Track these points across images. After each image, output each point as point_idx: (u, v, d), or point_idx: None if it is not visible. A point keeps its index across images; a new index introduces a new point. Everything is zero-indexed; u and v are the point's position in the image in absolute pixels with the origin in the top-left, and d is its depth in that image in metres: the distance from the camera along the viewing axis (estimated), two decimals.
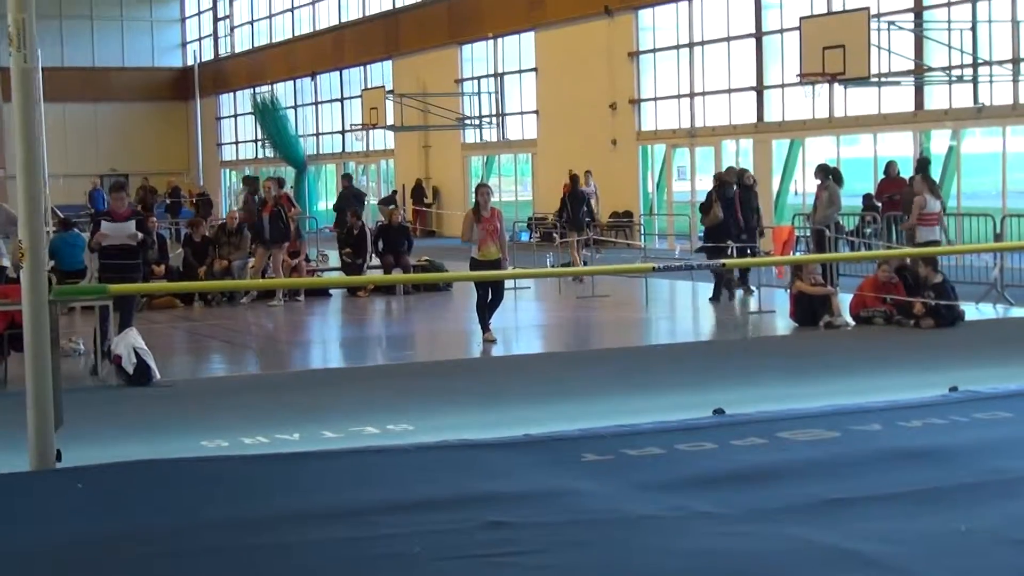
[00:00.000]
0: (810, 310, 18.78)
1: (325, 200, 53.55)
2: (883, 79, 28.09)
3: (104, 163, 64.44)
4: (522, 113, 43.94)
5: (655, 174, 38.28)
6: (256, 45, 64.57)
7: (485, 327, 17.90)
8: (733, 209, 23.82)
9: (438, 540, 7.19)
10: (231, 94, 67.12)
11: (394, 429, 11.39)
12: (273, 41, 62.63)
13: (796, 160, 33.77)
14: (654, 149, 38.48)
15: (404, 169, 49.98)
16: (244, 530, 7.55)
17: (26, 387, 9.07)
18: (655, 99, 38.04)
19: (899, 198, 23.15)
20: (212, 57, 69.15)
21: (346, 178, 33.07)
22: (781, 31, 33.00)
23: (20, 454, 9.29)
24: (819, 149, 32.99)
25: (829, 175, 23.74)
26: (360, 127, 45.76)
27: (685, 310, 23.06)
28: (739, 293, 23.04)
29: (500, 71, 44.80)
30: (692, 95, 36.46)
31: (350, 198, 29.40)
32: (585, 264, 29.13)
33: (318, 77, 57.65)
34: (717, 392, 12.97)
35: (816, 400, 11.94)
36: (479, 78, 45.51)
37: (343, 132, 54.66)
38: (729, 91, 35.25)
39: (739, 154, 35.33)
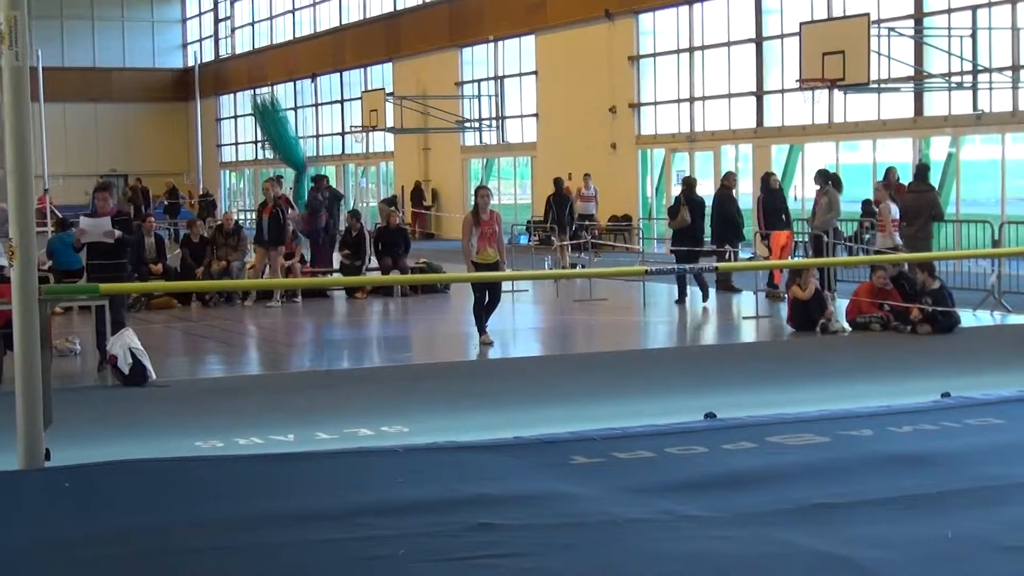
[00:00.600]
0: (807, 315, 18.79)
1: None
2: (883, 85, 28.10)
3: (104, 163, 64.49)
4: (522, 116, 43.96)
5: (654, 178, 38.28)
6: (257, 46, 64.64)
7: (482, 330, 17.90)
8: (702, 214, 24.35)
9: (426, 542, 7.18)
10: (231, 95, 67.16)
11: (389, 431, 11.38)
12: (274, 42, 62.69)
13: (795, 165, 33.77)
14: (653, 153, 38.48)
15: (403, 171, 49.99)
16: (230, 531, 7.54)
17: (16, 386, 9.05)
18: (655, 103, 38.04)
19: (899, 204, 23.12)
20: (213, 58, 69.20)
21: (321, 179, 32.99)
22: (781, 36, 33.02)
23: (12, 453, 9.29)
24: (819, 154, 32.99)
25: (829, 181, 23.75)
26: (360, 129, 45.78)
27: (682, 314, 23.01)
28: (712, 293, 23.22)
29: (500, 74, 44.83)
30: (692, 99, 36.47)
31: (327, 200, 29.35)
32: (574, 266, 29.23)
33: (318, 79, 57.70)
34: (711, 396, 12.97)
35: (809, 405, 11.94)
36: (479, 81, 45.55)
37: (343, 134, 54.70)
38: (729, 96, 35.26)
39: (738, 159, 35.37)
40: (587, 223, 32.14)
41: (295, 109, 59.03)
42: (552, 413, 12.26)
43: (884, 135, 30.91)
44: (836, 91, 28.51)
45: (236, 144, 67.41)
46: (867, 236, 26.24)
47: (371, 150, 52.77)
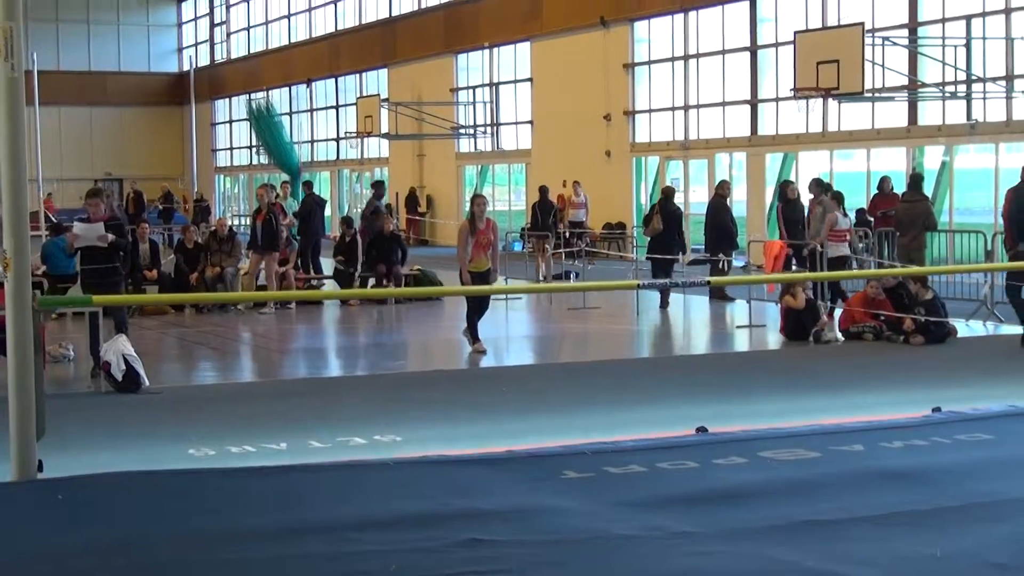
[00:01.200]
0: (799, 324, 18.84)
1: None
2: (877, 94, 28.16)
3: (99, 167, 64.48)
4: (517, 123, 44.00)
5: (648, 186, 38.29)
6: (252, 51, 64.66)
7: (475, 338, 17.94)
8: (676, 222, 24.83)
9: (415, 557, 7.17)
10: (226, 100, 67.16)
11: (381, 440, 11.41)
12: (269, 48, 62.69)
13: (789, 174, 33.77)
14: (648, 161, 38.52)
15: (398, 177, 50.00)
16: (222, 545, 7.54)
17: (8, 396, 9.05)
18: (649, 111, 38.09)
19: (892, 214, 23.19)
20: (208, 63, 69.17)
21: (307, 185, 33.10)
22: (776, 45, 33.08)
23: (2, 461, 9.30)
24: (812, 163, 33.04)
25: (825, 191, 23.81)
26: (355, 135, 45.80)
27: (675, 323, 23.06)
28: (705, 301, 23.58)
29: (495, 81, 44.85)
30: (686, 107, 36.52)
31: (314, 205, 29.47)
32: (568, 273, 29.29)
33: (314, 84, 57.72)
34: (702, 406, 13.02)
35: (801, 416, 11.97)
36: (474, 87, 45.58)
37: (338, 139, 54.69)
38: (723, 104, 35.31)
39: (733, 167, 35.41)
40: (579, 230, 32.20)
41: (290, 114, 59.04)
42: (544, 423, 12.32)
43: (878, 144, 30.95)
44: (830, 100, 28.55)
45: (231, 149, 67.39)
46: (860, 246, 26.31)
47: (366, 156, 52.80)
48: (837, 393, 14.11)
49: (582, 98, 39.55)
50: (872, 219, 26.20)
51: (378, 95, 46.35)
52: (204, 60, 69.71)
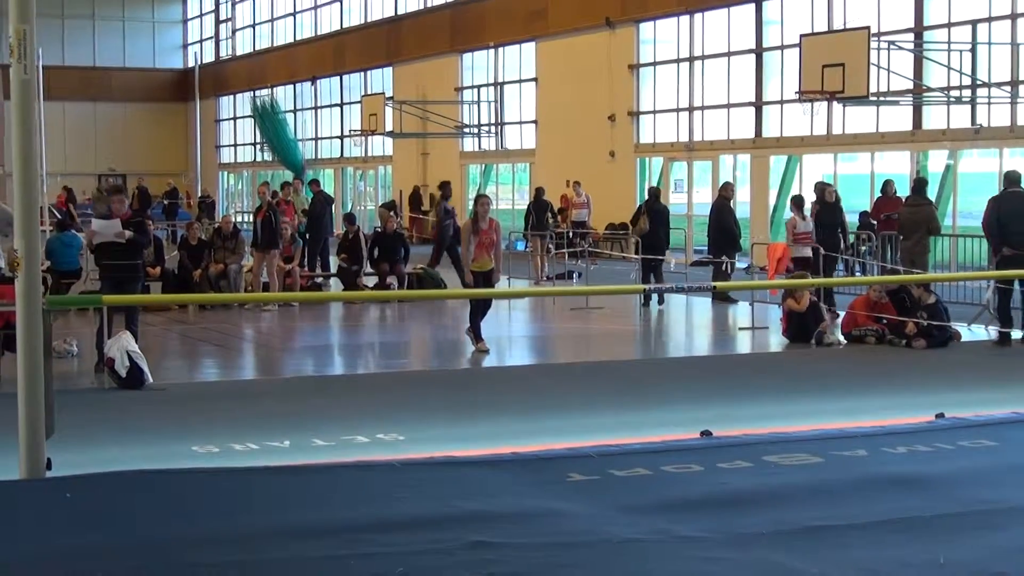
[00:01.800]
0: (802, 327, 18.87)
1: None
2: (882, 98, 28.18)
3: (102, 163, 64.54)
4: (521, 123, 44.02)
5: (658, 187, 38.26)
6: (257, 48, 64.71)
7: (478, 338, 17.99)
8: (663, 222, 25.39)
9: (422, 559, 7.21)
10: (231, 97, 67.21)
11: (384, 439, 11.46)
12: (274, 45, 62.74)
13: (793, 176, 33.83)
14: (652, 162, 38.54)
15: (402, 176, 50.04)
16: (229, 546, 7.58)
17: (18, 395, 9.10)
18: (654, 112, 38.11)
19: (896, 217, 23.21)
20: (213, 59, 69.21)
21: (315, 183, 33.18)
22: (781, 47, 33.10)
23: (11, 456, 9.34)
24: (816, 166, 33.08)
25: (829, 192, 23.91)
26: (359, 133, 45.84)
27: (677, 324, 23.10)
28: (708, 303, 23.71)
29: (500, 80, 44.88)
30: (691, 109, 36.55)
31: (323, 203, 29.52)
32: (570, 273, 29.33)
33: (318, 82, 57.75)
34: (706, 409, 13.06)
35: (804, 419, 12.03)
36: (479, 87, 45.61)
37: (342, 137, 54.73)
38: (728, 106, 35.34)
39: (736, 169, 35.44)
40: (581, 230, 32.23)
41: (294, 112, 59.08)
42: (549, 424, 12.36)
43: (882, 148, 30.98)
44: (835, 103, 28.59)
45: (235, 146, 67.45)
46: (863, 248, 26.36)
47: (370, 154, 52.83)
48: (840, 397, 14.15)
49: (587, 98, 39.58)
50: (875, 222, 26.24)
51: (383, 93, 46.37)
52: (209, 57, 69.76)
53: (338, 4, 56.37)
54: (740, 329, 21.10)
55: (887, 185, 26.48)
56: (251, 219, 27.38)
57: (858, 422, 11.47)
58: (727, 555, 7.39)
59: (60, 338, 17.55)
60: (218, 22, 68.98)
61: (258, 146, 60.44)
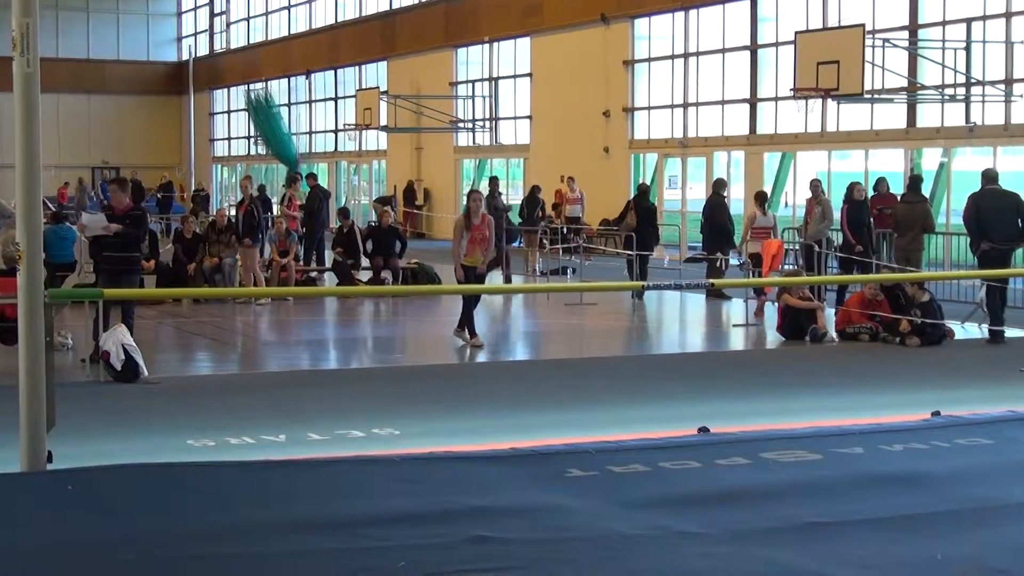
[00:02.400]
0: (797, 324, 18.92)
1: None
2: (876, 96, 28.24)
3: (96, 155, 64.49)
4: (515, 118, 44.06)
5: (646, 183, 38.28)
6: (252, 42, 64.67)
7: (472, 332, 18.04)
8: (650, 218, 25.73)
9: (423, 554, 7.24)
10: (225, 90, 67.17)
11: (380, 433, 11.50)
12: (269, 38, 62.70)
13: (787, 173, 33.89)
14: (646, 158, 38.58)
15: (396, 170, 50.07)
16: (229, 539, 7.61)
17: (19, 388, 9.12)
18: (648, 108, 38.16)
19: (890, 212, 23.21)
20: (207, 52, 69.17)
21: (312, 177, 33.20)
22: (776, 44, 33.15)
23: (11, 449, 9.36)
24: (811, 163, 33.13)
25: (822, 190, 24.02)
26: (353, 127, 45.85)
27: (672, 320, 23.16)
28: (702, 299, 24.13)
29: (495, 75, 44.90)
30: (685, 105, 36.60)
31: (320, 197, 29.54)
32: (565, 269, 29.35)
33: (313, 75, 57.74)
34: (702, 405, 13.13)
35: (800, 416, 12.07)
36: (474, 82, 45.64)
37: (336, 131, 54.72)
38: (722, 102, 35.39)
39: (731, 165, 35.48)
40: (575, 226, 32.25)
41: (289, 105, 59.07)
42: (545, 419, 12.41)
43: (876, 145, 31.04)
44: (829, 100, 28.64)
45: (229, 139, 67.41)
46: (857, 248, 26.34)
47: (364, 148, 52.83)
48: (835, 394, 14.21)
49: (581, 94, 39.62)
50: (871, 219, 26.23)
51: (377, 88, 46.37)
52: (203, 50, 69.72)
53: None
54: (735, 326, 21.16)
55: (879, 183, 26.48)
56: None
57: (854, 419, 11.50)
58: (725, 551, 7.43)
59: (55, 331, 17.55)
60: (212, 15, 68.92)
61: (252, 140, 60.41)
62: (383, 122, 44.49)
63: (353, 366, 17.86)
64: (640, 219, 25.28)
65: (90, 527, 7.85)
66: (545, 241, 30.43)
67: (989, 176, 19.60)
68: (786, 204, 34.16)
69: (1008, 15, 27.70)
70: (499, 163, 46.35)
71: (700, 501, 8.50)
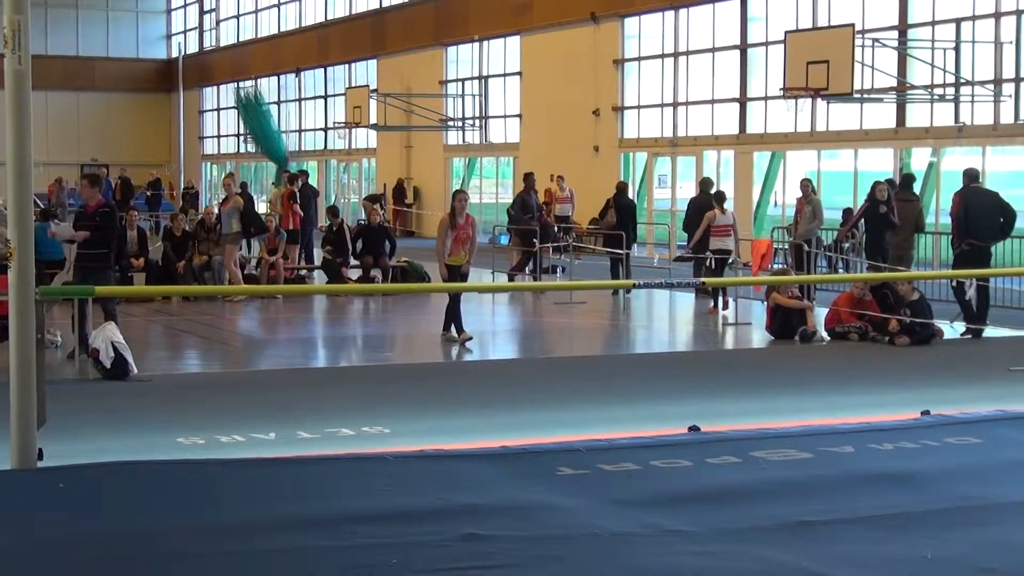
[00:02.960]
0: (786, 323, 18.93)
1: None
2: (866, 95, 28.29)
3: (85, 153, 64.34)
4: (505, 116, 44.04)
5: (636, 182, 38.36)
6: (241, 39, 64.61)
7: (460, 328, 18.09)
8: (630, 216, 26.13)
9: (413, 552, 7.25)
10: (214, 88, 67.12)
11: (369, 431, 11.51)
12: (258, 36, 62.65)
13: (777, 173, 33.92)
14: (636, 157, 38.60)
15: (386, 169, 50.04)
16: (219, 536, 7.61)
17: (10, 386, 9.12)
18: (638, 107, 38.17)
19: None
20: (197, 50, 69.10)
21: (302, 174, 33.19)
22: (766, 44, 33.16)
23: (1, 447, 9.35)
24: (800, 162, 33.16)
25: (813, 189, 24.06)
26: (343, 125, 45.83)
27: (661, 319, 23.18)
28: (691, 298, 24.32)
29: (484, 74, 44.90)
30: (675, 104, 36.61)
31: (309, 196, 29.55)
32: (554, 267, 29.35)
33: (302, 73, 57.70)
34: (692, 404, 13.16)
35: (790, 416, 12.08)
36: (463, 80, 45.64)
37: (326, 129, 54.68)
38: (712, 102, 35.40)
39: (720, 164, 35.50)
40: (564, 225, 32.22)
41: (278, 103, 59.01)
42: (535, 418, 12.43)
43: (866, 145, 31.07)
44: (819, 100, 28.68)
45: (219, 137, 67.36)
46: (845, 246, 26.41)
47: (354, 146, 52.83)
48: (825, 393, 14.24)
49: (571, 93, 39.62)
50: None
51: (367, 86, 46.37)
52: (193, 47, 69.65)
53: None
54: (725, 324, 21.18)
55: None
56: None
57: (844, 418, 11.54)
58: (716, 549, 7.45)
59: (45, 329, 17.53)
60: (202, 12, 68.85)
61: (242, 138, 60.34)
62: (373, 120, 44.49)
63: (343, 364, 17.87)
64: (620, 217, 25.54)
65: (81, 525, 7.84)
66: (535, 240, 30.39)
67: (972, 175, 19.83)
68: (775, 203, 34.21)
69: (997, 15, 27.75)
70: (488, 162, 46.37)
71: (691, 499, 8.51)
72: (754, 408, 12.90)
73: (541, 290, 24.14)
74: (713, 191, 25.24)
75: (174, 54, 70.11)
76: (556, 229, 31.46)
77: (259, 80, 60.02)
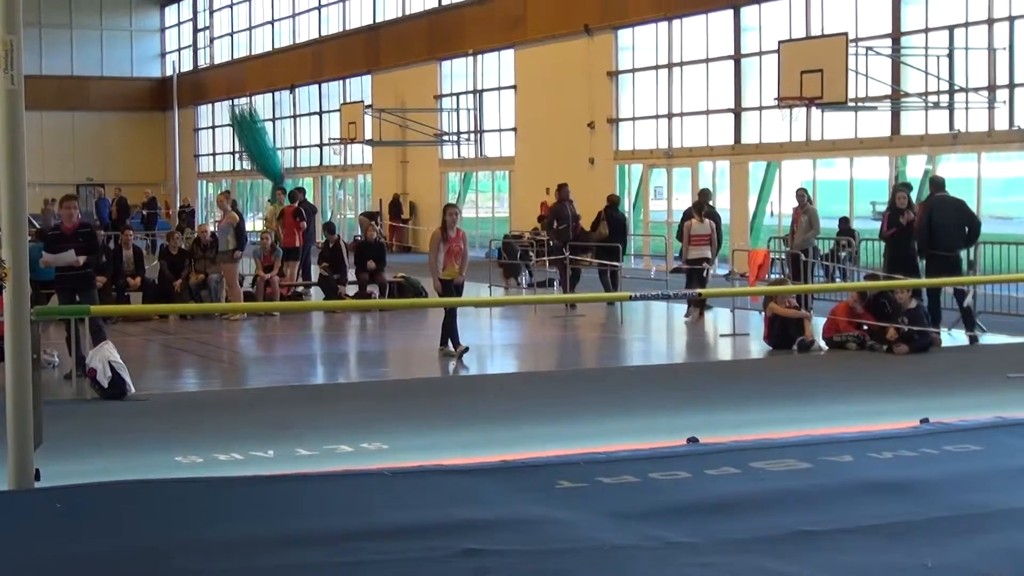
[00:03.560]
0: (784, 333, 18.91)
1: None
2: (860, 104, 28.31)
3: (81, 172, 64.32)
4: (500, 130, 44.05)
5: (632, 194, 38.37)
6: (235, 57, 64.61)
7: (456, 342, 18.11)
8: (621, 229, 26.39)
9: (415, 567, 7.24)
10: (209, 105, 67.11)
11: (368, 448, 11.47)
12: (253, 53, 62.65)
13: (772, 182, 33.92)
14: (631, 169, 38.59)
15: (381, 184, 50.04)
16: (221, 554, 7.59)
17: (6, 406, 9.10)
18: (633, 119, 38.17)
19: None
20: (191, 68, 69.11)
21: (300, 191, 33.17)
22: (760, 54, 33.18)
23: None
24: (795, 172, 33.16)
25: (809, 198, 24.06)
26: (338, 141, 45.85)
27: (659, 332, 23.16)
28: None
29: (479, 88, 44.91)
30: (670, 115, 36.60)
31: (306, 213, 29.51)
32: (551, 280, 29.34)
33: (297, 90, 57.69)
34: (691, 415, 13.12)
35: (789, 426, 12.03)
36: (458, 94, 45.65)
37: (321, 146, 54.69)
38: (707, 112, 35.40)
39: (715, 175, 35.50)
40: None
41: (273, 120, 59.01)
42: (534, 432, 12.37)
43: (861, 153, 31.08)
44: (813, 109, 28.69)
45: (214, 154, 67.35)
46: (843, 254, 26.40)
47: (349, 162, 52.82)
48: (824, 403, 14.19)
49: (566, 106, 39.63)
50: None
51: (362, 101, 46.37)
52: (187, 65, 69.64)
53: (316, 12, 56.34)
54: (721, 336, 21.16)
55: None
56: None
57: (843, 428, 11.53)
58: (717, 560, 7.43)
59: (41, 349, 17.50)
60: (196, 31, 68.87)
61: (237, 155, 60.36)
62: (368, 136, 44.50)
63: (341, 381, 17.83)
64: (611, 229, 25.61)
65: (78, 545, 7.82)
66: (531, 254, 30.38)
67: (937, 183, 20.00)
68: (771, 213, 34.21)
69: (990, 22, 27.76)
70: (484, 176, 46.37)
71: (691, 511, 8.50)
72: (753, 419, 12.86)
73: (535, 303, 24.08)
74: (711, 202, 25.29)
75: (168, 72, 70.13)
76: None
77: (254, 97, 60.04)
